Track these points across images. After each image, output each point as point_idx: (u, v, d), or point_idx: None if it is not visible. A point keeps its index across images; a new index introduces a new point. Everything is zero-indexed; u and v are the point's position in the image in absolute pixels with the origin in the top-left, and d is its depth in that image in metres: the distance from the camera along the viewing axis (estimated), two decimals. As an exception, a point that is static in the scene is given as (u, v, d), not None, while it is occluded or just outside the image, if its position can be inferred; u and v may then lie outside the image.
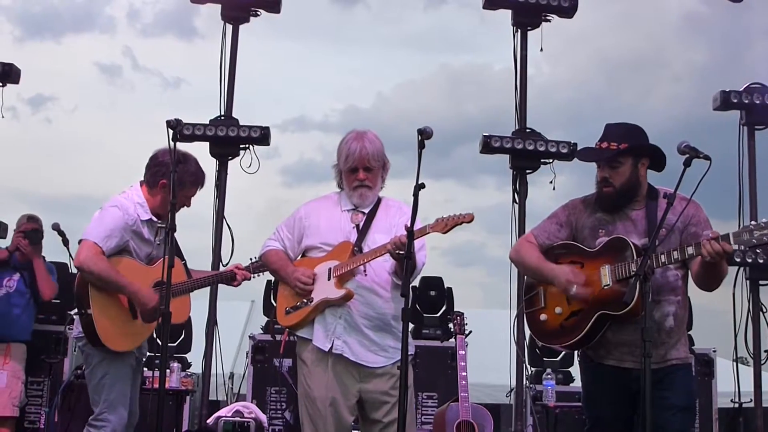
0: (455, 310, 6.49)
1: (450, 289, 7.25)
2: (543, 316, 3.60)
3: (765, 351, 6.75)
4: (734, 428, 6.78)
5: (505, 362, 6.73)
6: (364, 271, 3.73)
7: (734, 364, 6.61)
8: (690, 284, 3.51)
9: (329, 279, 3.76)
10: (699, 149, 3.15)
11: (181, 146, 4.17)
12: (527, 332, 5.28)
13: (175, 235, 3.81)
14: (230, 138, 6.85)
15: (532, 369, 6.96)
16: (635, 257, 3.30)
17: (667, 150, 3.48)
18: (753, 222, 3.14)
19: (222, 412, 6.03)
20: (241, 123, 6.96)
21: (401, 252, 3.43)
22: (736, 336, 6.58)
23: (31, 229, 6.03)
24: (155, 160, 4.21)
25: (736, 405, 6.67)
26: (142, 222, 4.12)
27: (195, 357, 6.92)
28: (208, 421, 6.14)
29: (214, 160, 6.94)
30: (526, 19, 7.31)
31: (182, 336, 6.94)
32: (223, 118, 7.03)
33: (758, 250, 6.59)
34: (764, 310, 6.75)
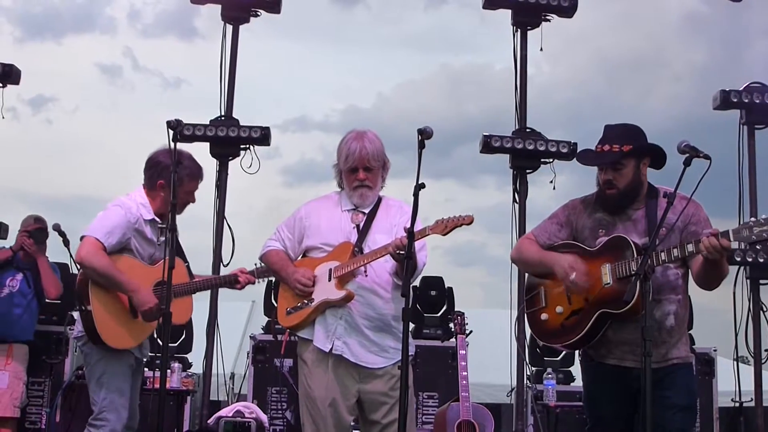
0: (456, 309, 6.49)
1: (450, 288, 7.26)
2: (544, 316, 3.61)
3: (765, 350, 6.75)
4: (735, 427, 6.78)
5: (505, 362, 6.74)
6: (365, 271, 3.73)
7: (735, 363, 6.61)
8: (690, 283, 3.52)
9: (330, 280, 3.76)
10: (699, 148, 3.16)
11: (183, 148, 4.20)
12: (528, 331, 5.28)
13: (178, 237, 3.83)
14: (231, 138, 6.86)
15: (533, 368, 6.97)
16: (635, 256, 3.31)
17: (667, 149, 3.49)
18: (752, 218, 3.15)
19: (223, 412, 6.04)
20: (241, 123, 6.97)
21: (402, 252, 3.43)
22: (736, 335, 6.58)
23: (37, 229, 6.04)
24: (150, 162, 4.25)
25: (737, 404, 6.67)
26: (145, 222, 4.15)
27: (196, 357, 6.92)
28: (209, 421, 6.15)
29: (215, 160, 6.95)
30: (526, 19, 7.32)
31: (183, 336, 6.94)
32: (223, 118, 7.04)
33: (759, 248, 6.60)
34: (765, 309, 6.76)
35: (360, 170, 3.83)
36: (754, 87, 6.99)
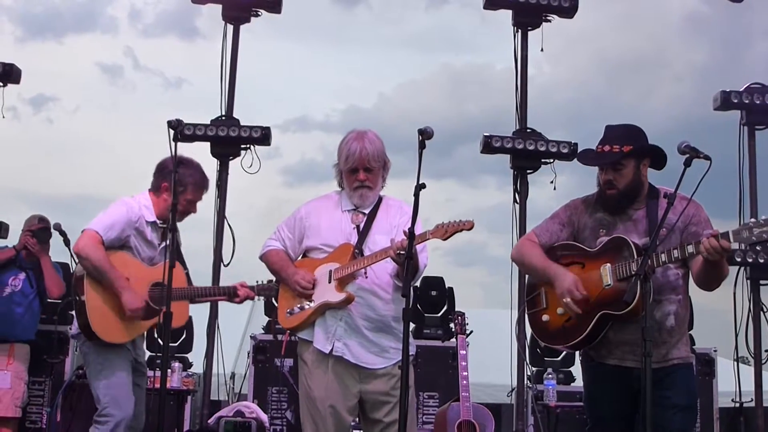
0: (456, 309, 6.50)
1: (451, 288, 7.26)
2: (545, 317, 3.61)
3: (766, 350, 6.75)
4: (735, 428, 6.78)
5: (506, 362, 6.73)
6: (365, 273, 3.74)
7: (735, 363, 6.61)
8: (691, 284, 3.52)
9: (330, 282, 3.76)
10: (699, 149, 3.16)
11: (184, 148, 4.23)
12: (528, 331, 5.29)
13: (179, 242, 3.84)
14: (231, 138, 6.86)
15: (534, 368, 6.97)
16: (636, 256, 3.31)
17: (667, 150, 3.49)
18: (753, 219, 3.15)
19: (223, 412, 6.05)
20: (242, 123, 6.96)
21: (403, 253, 3.43)
22: (736, 336, 6.57)
23: (40, 229, 6.04)
24: (159, 166, 4.32)
25: (737, 404, 6.67)
26: (147, 223, 4.19)
27: (196, 357, 6.93)
28: (209, 421, 6.16)
29: (215, 160, 6.94)
30: (527, 20, 7.31)
31: (183, 336, 6.95)
32: (224, 118, 7.04)
33: (759, 249, 6.60)
34: (765, 309, 6.75)
35: (360, 171, 3.83)
36: (754, 88, 6.98)
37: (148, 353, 4.61)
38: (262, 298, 4.44)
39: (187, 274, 4.36)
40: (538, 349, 7.02)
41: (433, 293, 7.18)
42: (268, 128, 6.92)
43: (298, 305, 3.82)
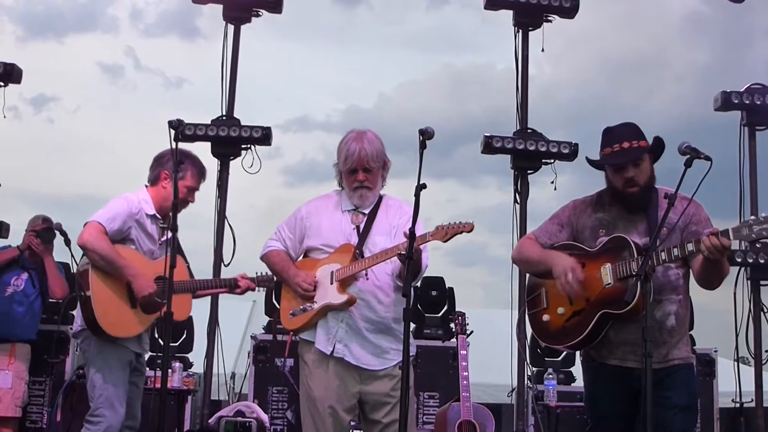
0: (457, 310, 6.50)
1: (451, 289, 7.26)
2: (545, 317, 3.61)
3: (766, 351, 6.75)
4: (735, 428, 6.79)
5: (506, 362, 6.73)
6: (366, 275, 3.74)
7: (735, 364, 6.61)
8: (691, 284, 3.52)
9: (331, 283, 3.77)
10: (700, 150, 3.16)
11: (185, 148, 4.24)
12: (529, 331, 5.29)
13: (179, 237, 3.85)
14: (232, 138, 6.86)
15: (534, 369, 6.97)
16: (636, 256, 3.31)
17: (668, 150, 3.49)
18: (752, 217, 3.15)
19: (224, 412, 6.05)
20: (242, 123, 6.97)
21: (403, 253, 3.43)
22: (737, 336, 6.58)
23: (44, 229, 6.04)
24: (156, 157, 4.34)
25: (738, 405, 6.67)
26: (147, 216, 4.23)
27: (197, 357, 6.93)
28: (209, 421, 6.16)
29: (216, 160, 6.94)
30: (528, 20, 7.31)
31: (184, 336, 6.96)
32: (224, 118, 7.04)
33: (759, 249, 6.60)
34: (765, 310, 6.75)
35: (359, 171, 3.83)
36: (755, 88, 6.98)
37: (148, 353, 4.60)
38: (262, 289, 4.44)
39: (188, 267, 4.36)
40: (538, 349, 7.02)
41: (434, 293, 7.18)
42: (268, 128, 6.92)
43: (301, 307, 3.83)
